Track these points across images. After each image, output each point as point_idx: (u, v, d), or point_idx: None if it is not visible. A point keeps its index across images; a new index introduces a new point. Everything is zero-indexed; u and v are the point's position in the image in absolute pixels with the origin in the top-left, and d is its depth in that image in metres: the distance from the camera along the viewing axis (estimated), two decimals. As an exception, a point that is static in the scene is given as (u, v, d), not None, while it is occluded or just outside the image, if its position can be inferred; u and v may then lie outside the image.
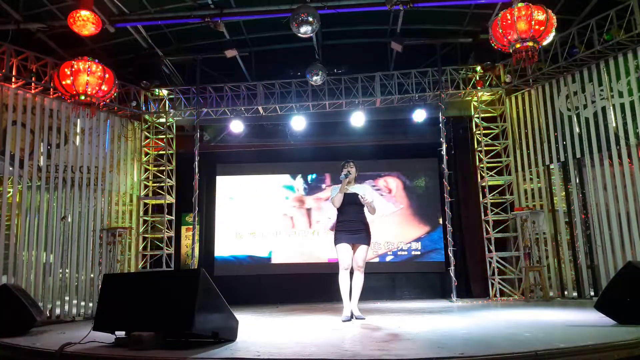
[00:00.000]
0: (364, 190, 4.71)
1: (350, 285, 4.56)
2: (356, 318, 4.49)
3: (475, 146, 8.29)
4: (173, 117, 8.76)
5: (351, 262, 4.57)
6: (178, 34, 7.96)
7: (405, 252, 9.23)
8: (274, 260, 9.37)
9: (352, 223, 4.62)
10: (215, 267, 9.30)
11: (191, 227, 8.62)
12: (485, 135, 8.26)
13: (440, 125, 8.11)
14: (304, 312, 5.94)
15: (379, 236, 9.13)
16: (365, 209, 4.72)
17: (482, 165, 8.11)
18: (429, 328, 3.72)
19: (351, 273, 4.61)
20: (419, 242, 9.26)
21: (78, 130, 7.56)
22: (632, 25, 6.21)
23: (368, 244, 4.65)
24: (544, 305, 6.13)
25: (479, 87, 8.22)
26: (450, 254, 7.76)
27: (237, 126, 8.68)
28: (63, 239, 7.09)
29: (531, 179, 7.88)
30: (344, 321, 4.41)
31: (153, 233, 8.43)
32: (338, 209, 4.74)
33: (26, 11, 6.69)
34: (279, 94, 8.50)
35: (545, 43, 5.28)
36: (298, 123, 8.61)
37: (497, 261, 7.74)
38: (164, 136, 8.66)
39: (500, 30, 5.15)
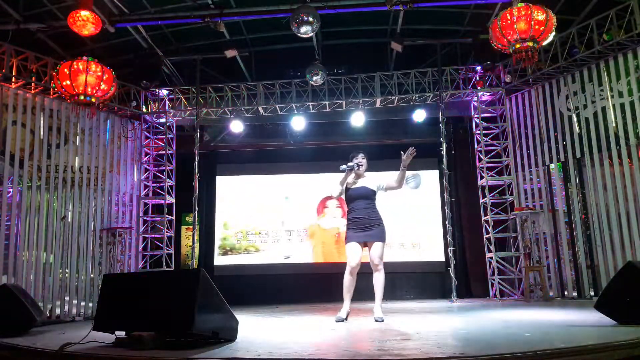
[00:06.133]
0: (378, 181, 4.52)
1: (357, 286, 4.43)
2: (376, 320, 4.24)
3: (475, 146, 8.29)
4: (173, 117, 8.76)
5: (359, 262, 4.35)
6: (178, 34, 7.97)
7: (405, 252, 9.23)
8: (274, 261, 9.37)
9: (362, 220, 4.40)
10: (215, 267, 9.30)
11: (191, 227, 8.62)
12: (485, 135, 8.26)
13: (440, 125, 8.12)
14: (304, 312, 5.94)
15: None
16: (376, 202, 4.52)
17: (482, 165, 8.11)
18: (429, 328, 3.72)
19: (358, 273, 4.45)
20: (419, 242, 9.26)
21: (78, 130, 7.56)
22: (632, 25, 6.21)
23: (382, 239, 4.37)
24: (544, 305, 6.13)
25: (479, 87, 8.22)
26: (450, 254, 7.77)
27: (237, 126, 8.68)
28: (63, 239, 7.09)
29: (531, 179, 7.88)
30: (337, 321, 4.27)
31: (153, 233, 8.43)
32: (347, 205, 4.54)
33: (26, 11, 6.69)
34: (279, 94, 8.50)
35: (545, 43, 5.27)
36: (298, 123, 8.62)
37: (497, 261, 7.74)
38: (164, 136, 8.66)
39: (500, 31, 5.15)
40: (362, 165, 4.54)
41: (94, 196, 7.61)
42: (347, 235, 4.47)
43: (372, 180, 4.58)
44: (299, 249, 9.40)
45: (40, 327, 4.68)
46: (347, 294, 4.42)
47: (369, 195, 4.49)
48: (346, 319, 4.38)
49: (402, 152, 4.36)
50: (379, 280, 4.37)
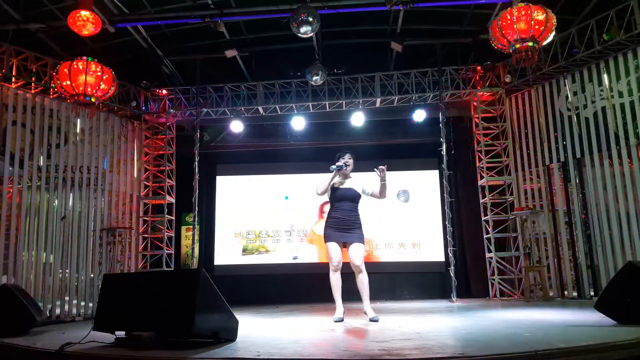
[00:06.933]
0: (363, 184, 4.55)
1: (343, 286, 4.47)
2: (371, 320, 4.27)
3: (475, 146, 8.29)
4: (173, 117, 8.76)
5: (341, 260, 4.42)
6: (178, 34, 7.96)
7: (405, 252, 9.23)
8: (274, 260, 9.37)
9: (343, 220, 4.44)
10: (215, 267, 9.30)
11: (191, 227, 8.62)
12: (485, 135, 8.26)
13: (440, 125, 8.11)
14: (304, 312, 5.94)
15: (379, 236, 9.15)
16: (362, 203, 4.56)
17: (482, 165, 8.11)
18: (429, 328, 3.72)
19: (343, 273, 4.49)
20: (419, 242, 9.26)
21: (78, 130, 7.56)
22: (632, 25, 6.21)
23: (362, 241, 4.44)
24: (544, 305, 6.13)
25: (479, 87, 8.22)
26: (450, 254, 7.77)
27: (237, 126, 8.68)
28: (63, 239, 7.09)
29: (531, 179, 7.87)
30: (335, 322, 4.31)
31: (153, 233, 8.43)
32: (330, 204, 4.58)
33: (26, 11, 6.69)
34: (279, 94, 8.50)
35: (545, 43, 5.28)
36: (298, 123, 8.62)
37: (497, 261, 7.74)
38: (164, 136, 8.67)
39: (500, 31, 5.15)
40: (349, 165, 4.54)
41: (94, 196, 7.61)
42: (327, 234, 4.49)
43: (358, 182, 4.60)
44: (299, 249, 9.40)
45: (40, 327, 4.67)
46: (337, 293, 4.46)
47: (355, 198, 4.54)
48: (343, 318, 4.41)
49: (375, 169, 4.37)
50: (363, 281, 4.41)
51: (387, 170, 4.40)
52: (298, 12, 5.94)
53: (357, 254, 4.39)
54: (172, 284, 3.28)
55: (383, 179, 4.38)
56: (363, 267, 4.40)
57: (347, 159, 4.54)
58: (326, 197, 4.61)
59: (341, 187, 4.54)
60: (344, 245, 4.49)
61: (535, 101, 7.89)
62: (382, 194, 4.48)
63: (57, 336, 3.94)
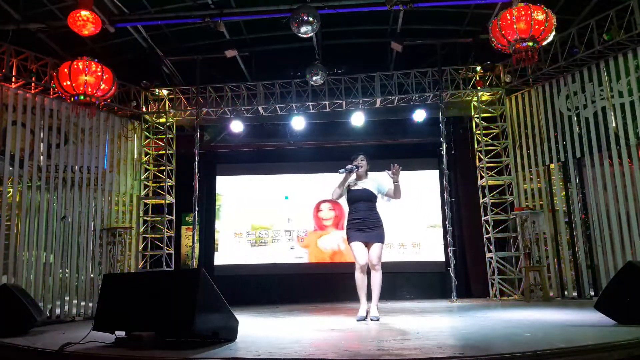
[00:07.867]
0: (378, 184, 4.60)
1: (369, 285, 4.52)
2: (371, 319, 4.36)
3: (475, 146, 8.29)
4: (173, 117, 8.76)
5: (367, 260, 4.46)
6: (178, 34, 7.96)
7: (405, 252, 9.23)
8: (274, 260, 9.37)
9: (362, 221, 4.50)
10: (215, 267, 9.30)
11: (191, 227, 8.62)
12: (485, 135, 8.25)
13: (440, 125, 8.10)
14: (304, 312, 5.94)
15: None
16: (381, 202, 4.61)
17: (482, 165, 8.11)
18: (429, 328, 3.72)
19: (368, 273, 4.54)
20: (419, 242, 9.25)
21: (78, 130, 7.56)
22: (632, 25, 6.21)
23: (382, 241, 4.50)
24: (544, 305, 6.13)
25: (479, 87, 8.22)
26: (450, 254, 7.76)
27: (237, 126, 8.68)
28: (63, 239, 7.08)
29: (531, 179, 7.87)
30: (358, 320, 4.37)
31: (153, 233, 8.42)
32: (349, 206, 4.63)
33: (26, 11, 6.68)
34: (279, 94, 8.50)
35: (545, 43, 5.28)
36: (298, 123, 8.62)
37: (497, 261, 7.74)
38: (164, 136, 8.66)
39: (500, 31, 5.15)
40: (361, 167, 4.59)
41: (94, 196, 7.61)
42: (350, 235, 4.55)
43: (373, 182, 4.64)
44: (299, 248, 9.40)
45: (40, 327, 4.68)
46: (361, 291, 4.53)
47: (370, 198, 4.58)
48: (366, 317, 4.45)
49: (387, 172, 4.46)
50: (376, 280, 4.48)
51: (386, 169, 4.44)
52: (298, 12, 5.94)
53: (374, 253, 4.47)
54: (172, 284, 3.28)
55: (396, 180, 4.46)
56: (379, 267, 4.48)
57: (359, 161, 4.59)
58: (328, 195, 4.64)
59: (355, 188, 4.60)
60: (366, 244, 4.54)
61: (535, 101, 7.89)
62: (396, 194, 4.56)
63: (57, 336, 3.93)
